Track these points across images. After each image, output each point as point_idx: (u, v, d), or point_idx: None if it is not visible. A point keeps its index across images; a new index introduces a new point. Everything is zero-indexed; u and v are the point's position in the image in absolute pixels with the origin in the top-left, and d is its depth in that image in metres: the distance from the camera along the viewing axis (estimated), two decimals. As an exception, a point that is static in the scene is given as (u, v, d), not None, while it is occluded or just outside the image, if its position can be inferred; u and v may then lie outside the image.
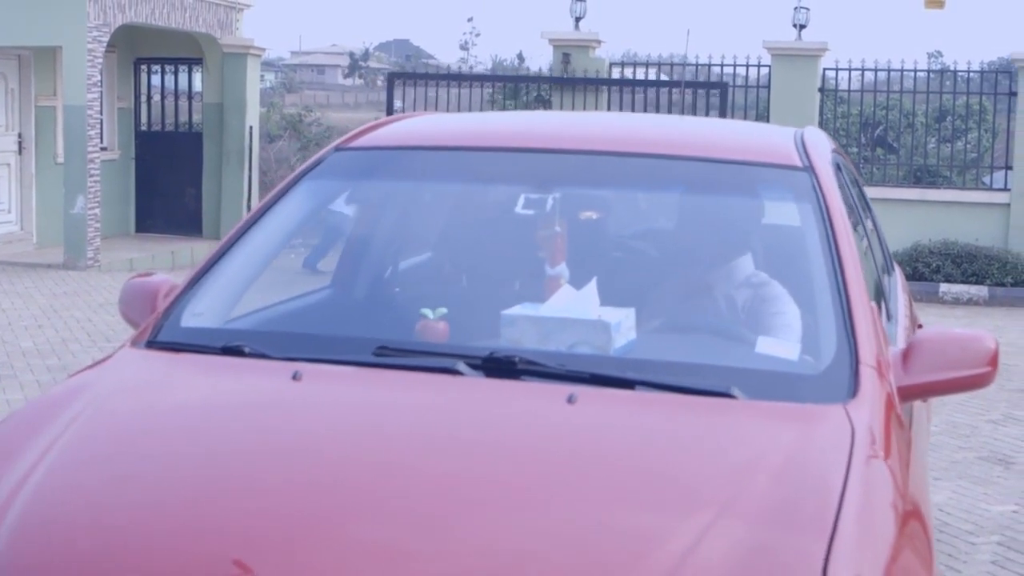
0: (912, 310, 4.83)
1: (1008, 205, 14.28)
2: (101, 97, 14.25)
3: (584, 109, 15.15)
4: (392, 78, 16.97)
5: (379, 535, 2.17)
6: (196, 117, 16.57)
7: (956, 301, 13.37)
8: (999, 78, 15.52)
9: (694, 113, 15.71)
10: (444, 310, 3.11)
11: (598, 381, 2.67)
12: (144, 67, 16.67)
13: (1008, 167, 14.69)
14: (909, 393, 2.87)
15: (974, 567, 5.16)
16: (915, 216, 14.23)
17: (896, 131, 16.93)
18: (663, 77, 16.51)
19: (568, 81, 15.61)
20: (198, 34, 15.87)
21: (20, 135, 14.87)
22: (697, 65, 16.18)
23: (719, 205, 3.52)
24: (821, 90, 15.19)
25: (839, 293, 2.89)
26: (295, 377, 2.71)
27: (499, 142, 3.58)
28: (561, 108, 15.38)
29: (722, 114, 14.94)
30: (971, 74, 15.51)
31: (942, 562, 5.06)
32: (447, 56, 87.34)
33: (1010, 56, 14.96)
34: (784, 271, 3.29)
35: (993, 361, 2.89)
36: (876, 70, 15.24)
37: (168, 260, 14.80)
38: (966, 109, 17.24)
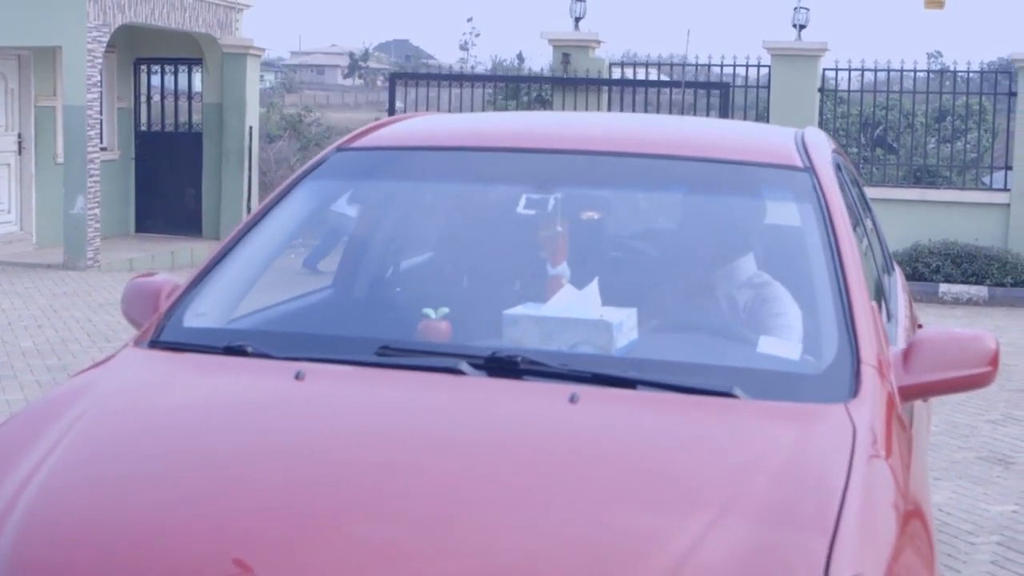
0: (912, 310, 4.84)
1: (1008, 205, 14.29)
2: (101, 97, 14.25)
3: (584, 109, 15.14)
4: (394, 78, 16.98)
5: (380, 535, 2.18)
6: (196, 117, 16.56)
7: (956, 301, 13.37)
8: (999, 78, 15.52)
9: (694, 113, 15.73)
10: (446, 310, 3.12)
11: (600, 381, 2.68)
12: (144, 67, 16.66)
13: (1008, 167, 14.70)
14: (910, 393, 2.88)
15: (974, 567, 5.16)
16: (915, 216, 14.24)
17: (896, 131, 16.93)
18: (663, 77, 16.51)
19: (568, 81, 15.61)
20: (198, 34, 15.86)
21: (20, 135, 14.86)
22: (697, 65, 16.20)
23: (720, 205, 3.52)
24: (821, 90, 15.20)
25: (840, 293, 2.90)
26: (298, 377, 2.72)
27: (500, 142, 3.58)
28: (561, 108, 15.37)
29: (722, 114, 14.94)
30: (971, 74, 15.52)
31: (942, 562, 5.06)
32: (447, 56, 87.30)
33: (1010, 56, 14.96)
34: (785, 271, 3.29)
35: (993, 361, 2.90)
36: (876, 70, 15.24)
37: (168, 260, 14.80)
38: (966, 109, 17.26)
